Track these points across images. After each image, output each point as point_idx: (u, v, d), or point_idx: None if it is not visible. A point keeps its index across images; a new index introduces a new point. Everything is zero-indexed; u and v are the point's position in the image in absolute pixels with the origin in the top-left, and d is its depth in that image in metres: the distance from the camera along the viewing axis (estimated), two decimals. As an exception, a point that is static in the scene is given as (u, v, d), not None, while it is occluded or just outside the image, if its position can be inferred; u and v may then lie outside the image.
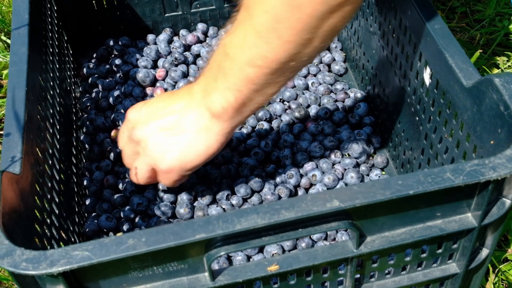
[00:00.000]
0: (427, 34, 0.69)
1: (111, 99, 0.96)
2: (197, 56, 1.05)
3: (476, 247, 0.61)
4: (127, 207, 0.82)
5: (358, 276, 0.60)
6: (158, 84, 0.99)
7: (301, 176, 0.87)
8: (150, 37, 1.07)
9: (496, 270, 0.80)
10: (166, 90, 0.98)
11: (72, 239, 0.74)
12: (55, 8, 0.95)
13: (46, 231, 0.63)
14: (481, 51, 1.07)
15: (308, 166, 0.88)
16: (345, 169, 0.88)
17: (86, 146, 0.91)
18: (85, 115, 0.94)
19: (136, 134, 0.72)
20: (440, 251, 0.59)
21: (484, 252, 0.62)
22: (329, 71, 1.05)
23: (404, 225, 0.55)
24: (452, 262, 0.62)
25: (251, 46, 0.60)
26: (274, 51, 0.59)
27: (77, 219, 0.79)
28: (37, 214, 0.61)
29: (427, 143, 0.76)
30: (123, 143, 0.76)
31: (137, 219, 0.81)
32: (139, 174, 0.74)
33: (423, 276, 0.62)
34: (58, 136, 0.77)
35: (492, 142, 0.59)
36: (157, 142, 0.70)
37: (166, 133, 0.70)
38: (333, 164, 0.89)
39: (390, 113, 0.88)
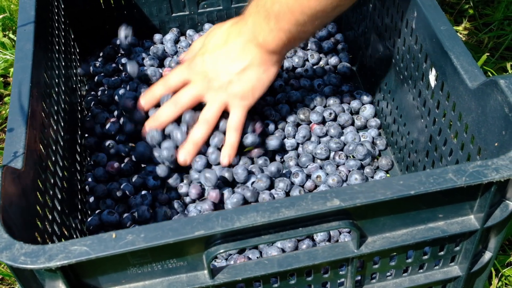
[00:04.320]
0: (432, 36, 0.69)
1: (116, 97, 0.96)
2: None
3: (479, 250, 0.60)
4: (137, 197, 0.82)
5: (359, 277, 0.60)
6: None
7: (307, 176, 0.87)
8: (157, 36, 1.07)
9: (500, 274, 0.79)
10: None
11: (74, 236, 0.74)
12: (62, 6, 0.95)
13: (48, 227, 0.63)
14: (488, 54, 1.06)
15: (312, 167, 0.88)
16: (350, 171, 0.87)
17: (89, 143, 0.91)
18: (90, 114, 0.94)
19: (205, 63, 0.83)
20: (442, 253, 0.59)
21: (487, 255, 0.61)
22: (336, 72, 1.04)
23: (406, 226, 0.55)
24: (454, 264, 0.61)
25: None
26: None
27: (79, 216, 0.79)
28: (39, 210, 0.61)
29: (431, 145, 0.75)
30: (183, 70, 0.86)
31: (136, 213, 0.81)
32: (211, 107, 0.84)
33: (424, 278, 0.61)
34: (62, 133, 0.77)
35: (496, 144, 0.58)
36: (228, 71, 0.82)
37: (235, 65, 0.82)
38: (338, 166, 0.89)
39: (396, 116, 0.88)
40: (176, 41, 1.07)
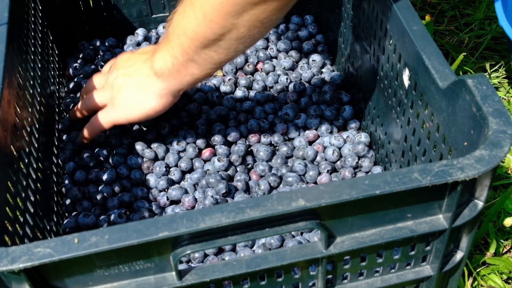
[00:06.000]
0: (405, 36, 0.69)
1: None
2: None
3: (451, 250, 0.60)
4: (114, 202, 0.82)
5: (330, 277, 0.60)
6: None
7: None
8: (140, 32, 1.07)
9: (474, 274, 0.79)
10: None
11: (49, 238, 0.73)
12: (40, 8, 0.95)
13: (19, 229, 0.63)
14: (464, 54, 1.07)
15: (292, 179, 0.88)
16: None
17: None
18: (67, 116, 0.94)
19: (110, 75, 0.82)
20: (413, 253, 0.59)
21: (459, 254, 0.61)
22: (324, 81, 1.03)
23: (374, 226, 0.55)
24: (426, 264, 0.61)
25: (186, 17, 0.65)
26: (201, 27, 0.64)
27: (55, 219, 0.79)
28: (9, 212, 0.61)
29: (407, 145, 0.75)
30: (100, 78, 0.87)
31: (112, 217, 0.81)
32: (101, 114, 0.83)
33: (396, 278, 0.61)
34: (37, 135, 0.77)
35: (465, 143, 0.59)
36: (119, 83, 0.80)
37: (127, 79, 0.79)
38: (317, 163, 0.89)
39: (374, 116, 0.88)
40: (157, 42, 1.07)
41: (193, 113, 0.93)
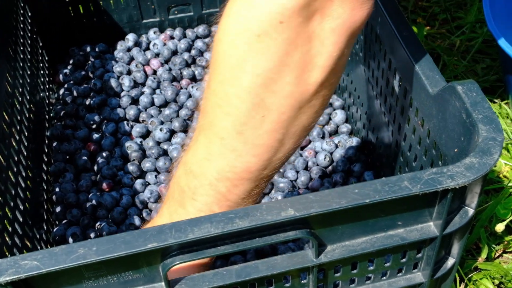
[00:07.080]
0: (395, 41, 0.69)
1: (85, 105, 0.96)
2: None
3: (442, 256, 0.60)
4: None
5: (321, 285, 0.59)
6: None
7: None
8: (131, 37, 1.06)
9: (466, 280, 0.79)
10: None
11: (39, 247, 0.73)
12: (29, 14, 0.94)
13: (7, 239, 0.63)
14: (456, 58, 1.07)
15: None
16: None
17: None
18: (58, 123, 0.93)
19: None
20: (404, 260, 0.59)
21: (450, 261, 0.61)
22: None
23: (365, 234, 0.54)
24: (417, 271, 0.61)
25: (217, 157, 0.53)
26: (243, 159, 0.52)
27: (45, 227, 0.78)
28: (-3, 222, 0.60)
29: (398, 150, 0.75)
30: None
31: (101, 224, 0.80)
32: None
33: (388, 285, 0.61)
34: (26, 143, 0.77)
35: (456, 150, 0.58)
36: None
37: None
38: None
39: (365, 121, 0.87)
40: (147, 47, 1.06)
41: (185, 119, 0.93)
